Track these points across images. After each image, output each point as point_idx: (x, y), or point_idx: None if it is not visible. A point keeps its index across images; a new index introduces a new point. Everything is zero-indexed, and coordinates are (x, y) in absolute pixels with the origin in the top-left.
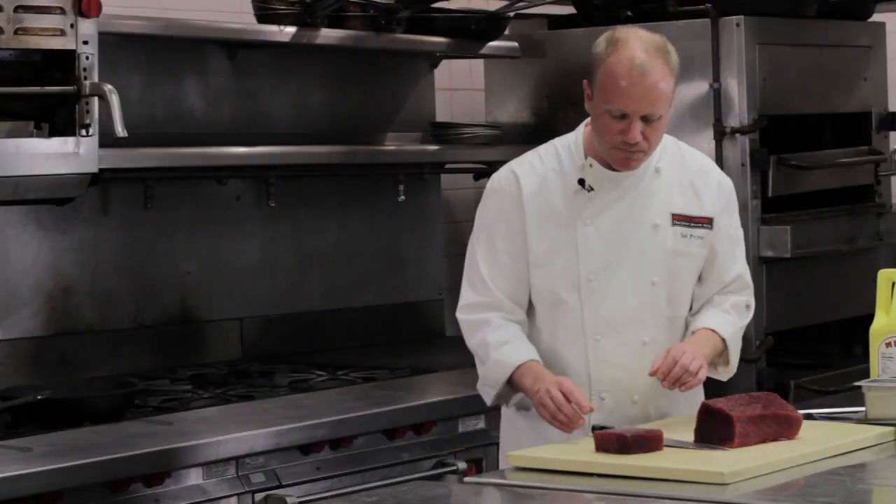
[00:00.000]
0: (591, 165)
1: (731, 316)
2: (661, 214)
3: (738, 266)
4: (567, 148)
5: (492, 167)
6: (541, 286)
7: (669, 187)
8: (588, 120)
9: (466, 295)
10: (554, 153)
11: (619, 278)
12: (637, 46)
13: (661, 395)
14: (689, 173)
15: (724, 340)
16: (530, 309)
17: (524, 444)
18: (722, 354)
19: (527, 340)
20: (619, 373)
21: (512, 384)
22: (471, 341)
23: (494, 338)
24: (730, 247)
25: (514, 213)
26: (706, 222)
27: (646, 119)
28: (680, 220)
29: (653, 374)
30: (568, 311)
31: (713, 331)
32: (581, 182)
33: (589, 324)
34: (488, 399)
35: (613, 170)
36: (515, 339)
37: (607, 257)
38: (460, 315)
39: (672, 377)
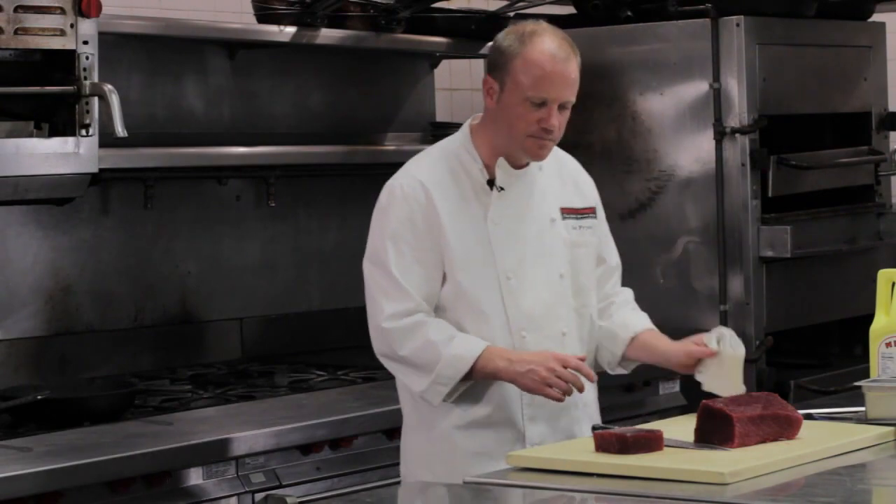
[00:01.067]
0: (499, 166)
1: (636, 311)
2: (553, 209)
3: (615, 253)
4: (457, 151)
5: None
6: (465, 288)
7: (553, 183)
8: (472, 120)
9: (386, 307)
10: (446, 157)
11: (533, 274)
12: (551, 38)
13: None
14: (564, 169)
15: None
16: (446, 313)
17: (460, 465)
18: None
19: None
20: None
21: (466, 377)
22: (408, 347)
23: (438, 336)
24: (606, 236)
25: (423, 220)
26: (590, 212)
27: (561, 107)
28: (568, 213)
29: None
30: (492, 310)
31: (653, 329)
32: (490, 183)
33: (513, 321)
34: (438, 398)
35: (516, 168)
36: (457, 333)
37: (519, 254)
38: (387, 324)
39: None
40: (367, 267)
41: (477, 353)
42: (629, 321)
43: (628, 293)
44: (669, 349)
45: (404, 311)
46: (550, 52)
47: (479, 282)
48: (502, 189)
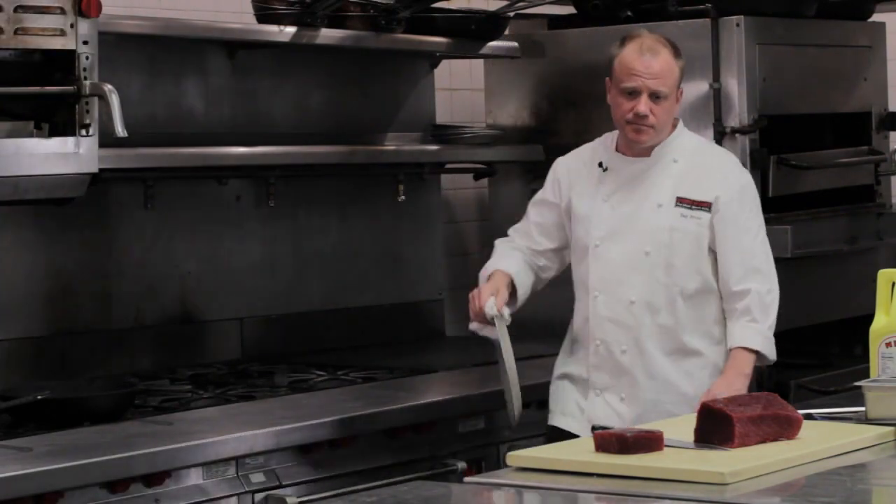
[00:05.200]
0: (606, 151)
1: (751, 323)
2: (666, 197)
3: (743, 254)
4: (604, 140)
5: (491, 167)
6: (571, 251)
7: (681, 176)
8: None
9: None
10: (594, 146)
11: (618, 246)
12: (645, 38)
13: (653, 349)
14: (705, 163)
15: (756, 350)
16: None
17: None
18: (760, 358)
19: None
20: (609, 325)
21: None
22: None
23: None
24: (735, 233)
25: (553, 195)
26: (706, 206)
27: (653, 96)
28: (682, 202)
29: None
30: (582, 272)
31: (744, 348)
32: (600, 164)
33: (592, 282)
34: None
35: (630, 157)
36: (501, 259)
37: (610, 227)
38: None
39: None
40: None
41: (486, 273)
42: (729, 336)
43: (745, 301)
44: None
45: (508, 238)
46: (639, 47)
47: (579, 246)
48: (606, 169)
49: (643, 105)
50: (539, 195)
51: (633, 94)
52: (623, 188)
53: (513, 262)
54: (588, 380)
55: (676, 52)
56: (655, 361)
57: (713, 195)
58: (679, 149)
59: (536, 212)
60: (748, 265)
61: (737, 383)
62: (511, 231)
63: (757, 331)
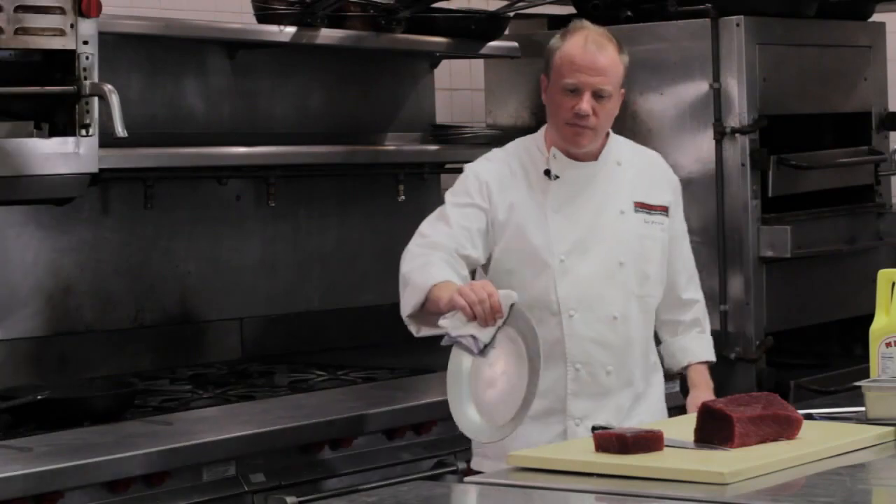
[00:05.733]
0: (554, 157)
1: (702, 334)
2: (625, 202)
3: (685, 260)
4: (529, 144)
5: None
6: (517, 270)
7: (630, 178)
8: (547, 125)
9: (424, 229)
10: (517, 151)
11: (588, 258)
12: (588, 32)
13: (633, 366)
14: (645, 167)
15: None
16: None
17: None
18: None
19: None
20: (592, 346)
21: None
22: (408, 265)
23: (421, 263)
24: (680, 238)
25: (482, 201)
26: (663, 210)
27: (596, 95)
28: (641, 207)
29: None
30: (543, 290)
31: (704, 363)
32: (547, 172)
33: (562, 301)
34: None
35: (576, 160)
36: (441, 267)
37: (574, 239)
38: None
39: None
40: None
41: (431, 283)
42: (682, 349)
43: (691, 313)
44: (689, 401)
45: (430, 243)
46: (583, 42)
47: (532, 262)
48: (557, 177)
49: (585, 103)
50: (461, 197)
51: (575, 91)
52: (576, 196)
53: (453, 275)
54: (564, 410)
55: (621, 48)
56: (638, 380)
57: (665, 199)
58: (618, 151)
59: (461, 214)
60: (690, 272)
61: (712, 396)
62: (428, 231)
63: (709, 342)
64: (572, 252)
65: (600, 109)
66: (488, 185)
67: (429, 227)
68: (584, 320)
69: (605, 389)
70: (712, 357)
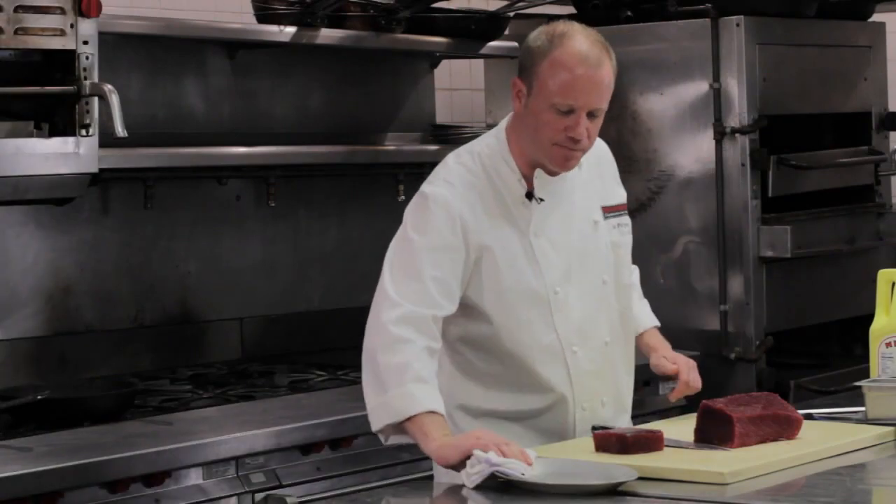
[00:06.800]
0: (537, 178)
1: (641, 299)
2: (595, 210)
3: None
4: (495, 161)
5: None
6: (513, 306)
7: (593, 181)
8: (505, 123)
9: (393, 294)
10: (485, 170)
11: (579, 284)
12: (583, 40)
13: (624, 388)
14: (603, 162)
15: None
16: (480, 325)
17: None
18: None
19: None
20: (592, 379)
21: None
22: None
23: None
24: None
25: (454, 235)
26: (624, 208)
27: (591, 115)
28: (609, 211)
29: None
30: (542, 328)
31: (656, 328)
32: (528, 195)
33: (563, 337)
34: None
35: (551, 174)
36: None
37: (564, 265)
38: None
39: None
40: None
41: (414, 412)
42: (636, 315)
43: (635, 275)
44: (654, 362)
45: (403, 317)
46: (581, 54)
47: (526, 299)
48: (542, 200)
49: (582, 127)
50: (431, 237)
51: (570, 112)
52: (550, 215)
53: (435, 388)
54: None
55: (611, 54)
56: (629, 403)
57: (620, 193)
58: None
59: (432, 262)
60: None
61: (672, 353)
62: (396, 293)
63: (648, 306)
64: (563, 280)
65: (593, 128)
66: (462, 219)
67: (398, 286)
68: (585, 354)
69: (602, 421)
70: (657, 321)
